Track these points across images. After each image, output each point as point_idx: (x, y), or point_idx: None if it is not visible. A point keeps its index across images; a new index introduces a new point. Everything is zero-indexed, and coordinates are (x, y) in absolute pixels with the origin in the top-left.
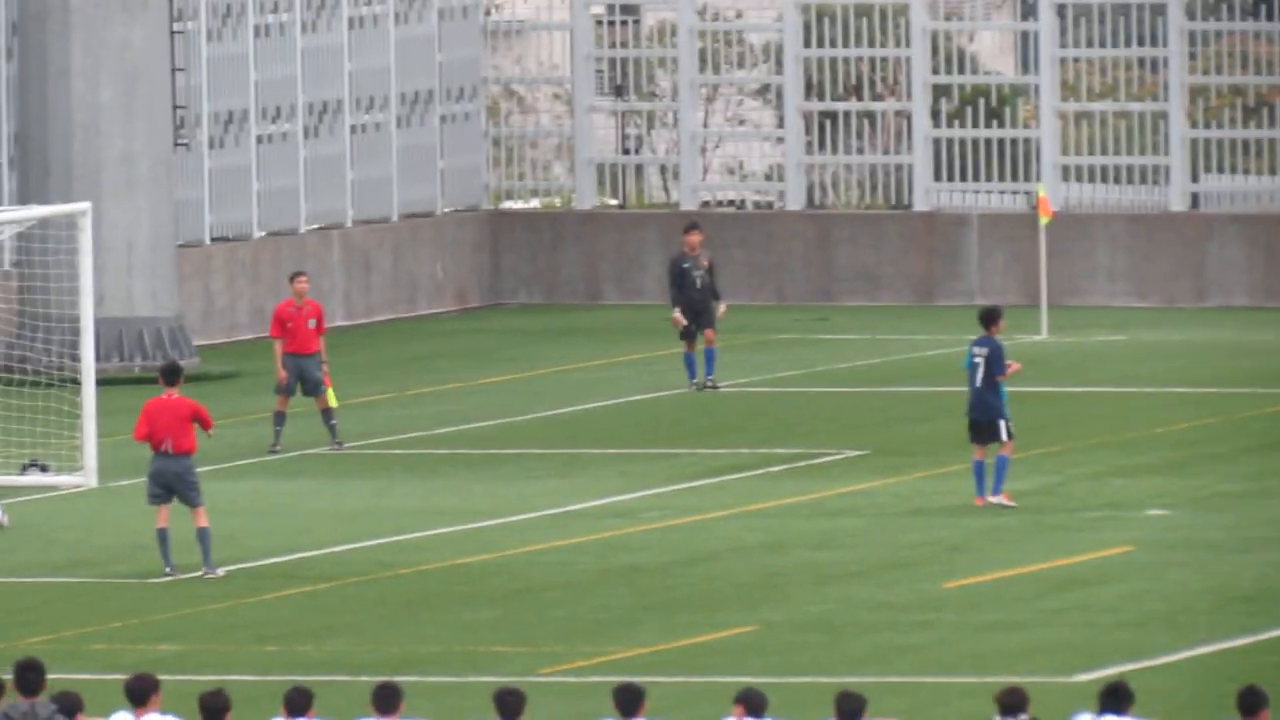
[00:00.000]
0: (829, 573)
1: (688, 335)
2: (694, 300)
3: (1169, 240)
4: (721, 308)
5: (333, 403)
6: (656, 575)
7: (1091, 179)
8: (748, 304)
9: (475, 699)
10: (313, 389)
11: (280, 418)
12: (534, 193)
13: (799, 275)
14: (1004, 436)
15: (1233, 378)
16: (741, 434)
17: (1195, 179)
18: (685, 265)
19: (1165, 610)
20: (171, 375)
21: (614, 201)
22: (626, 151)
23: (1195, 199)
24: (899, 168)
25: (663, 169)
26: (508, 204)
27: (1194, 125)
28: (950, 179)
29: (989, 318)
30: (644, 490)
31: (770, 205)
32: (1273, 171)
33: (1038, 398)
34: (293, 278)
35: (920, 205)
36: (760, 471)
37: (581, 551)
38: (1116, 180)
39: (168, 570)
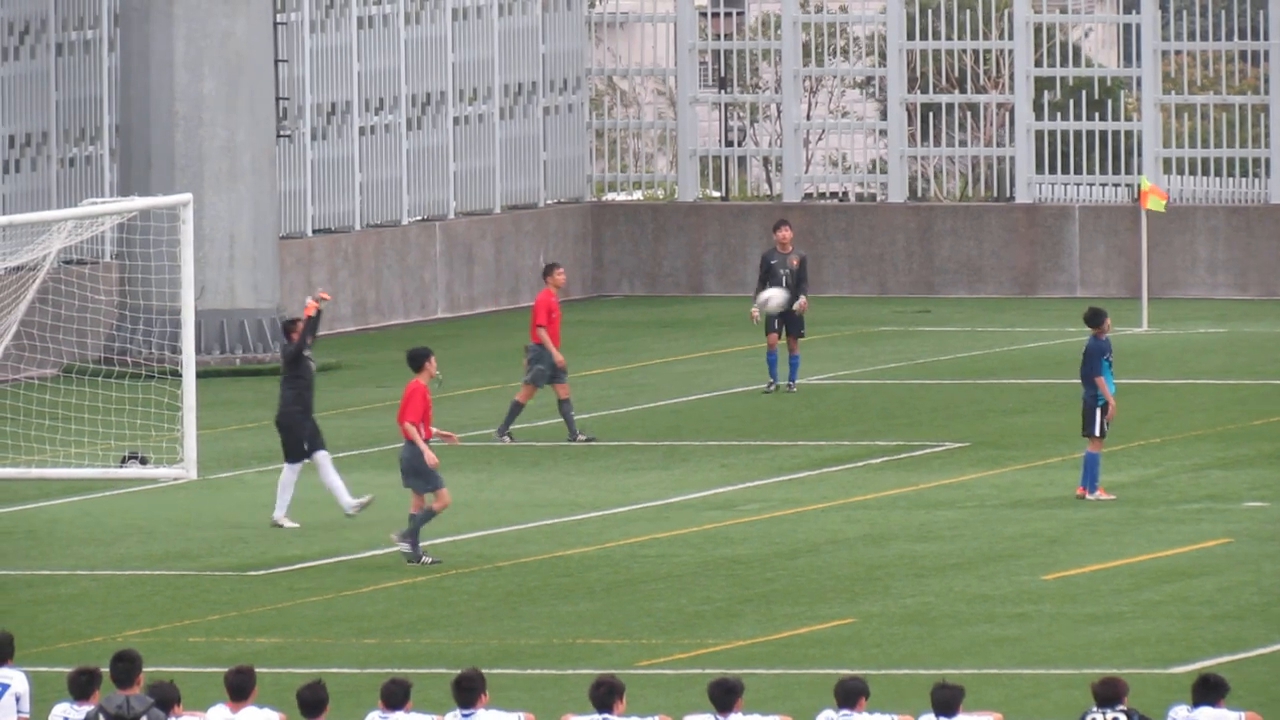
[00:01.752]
0: (928, 565)
1: (770, 329)
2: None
3: (1270, 232)
4: (800, 302)
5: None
6: (756, 567)
7: (1192, 171)
8: (850, 296)
9: (573, 691)
10: (559, 377)
11: (568, 404)
12: (637, 185)
13: (901, 267)
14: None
15: None
16: (842, 426)
17: None
18: (773, 262)
19: (1262, 603)
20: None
21: (716, 194)
22: (729, 144)
23: None
24: (1001, 160)
25: (765, 161)
26: (610, 196)
27: None
28: (1052, 171)
29: (1091, 320)
30: (745, 482)
31: (873, 197)
32: None
33: (1138, 390)
34: (553, 269)
35: (1022, 197)
36: (861, 464)
37: (682, 544)
38: (1217, 173)
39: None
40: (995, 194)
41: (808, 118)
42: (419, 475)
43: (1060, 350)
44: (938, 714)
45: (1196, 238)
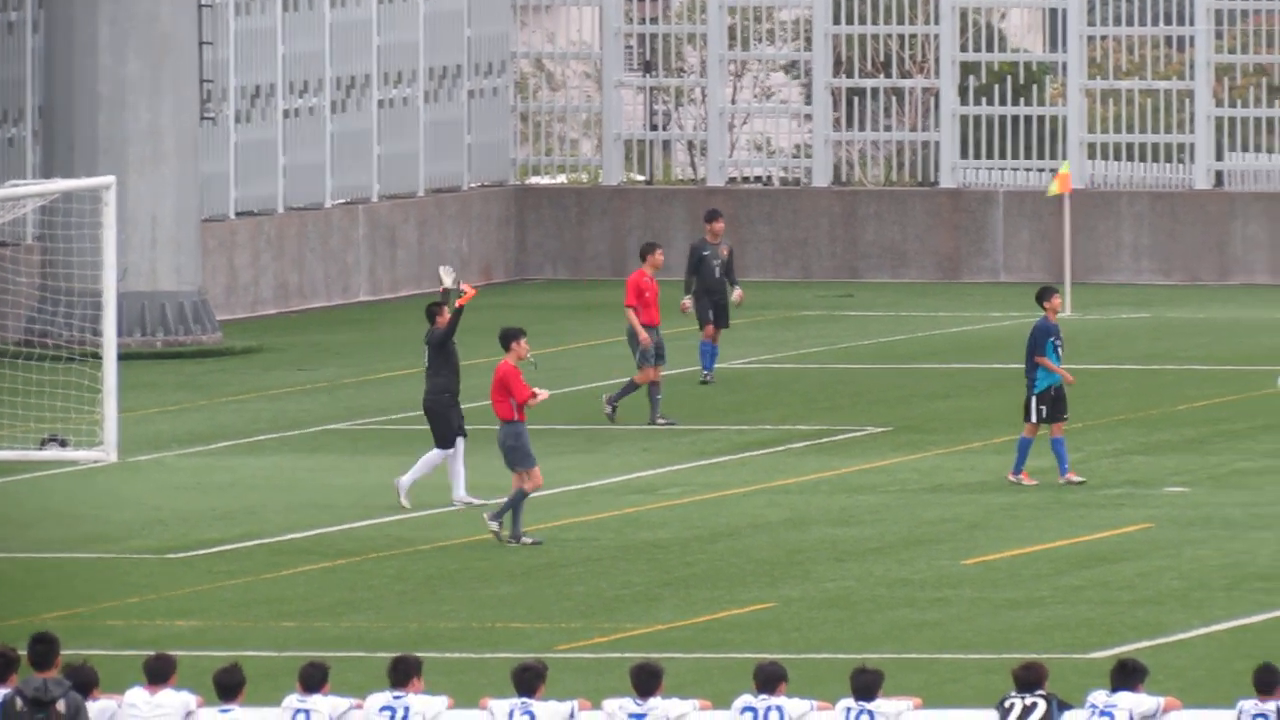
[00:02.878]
0: (849, 549)
1: (704, 320)
2: (712, 288)
3: (1193, 218)
4: (737, 294)
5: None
6: (676, 551)
7: (1117, 157)
8: (773, 280)
9: (493, 675)
10: (660, 358)
11: (656, 387)
12: (561, 168)
13: (824, 252)
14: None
15: (1254, 355)
16: (764, 410)
17: (1220, 157)
18: (705, 253)
19: (1182, 588)
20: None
21: (641, 177)
22: (654, 127)
23: (1220, 177)
24: (926, 145)
25: (690, 145)
26: (534, 179)
27: (1219, 104)
28: (976, 156)
29: (1040, 296)
30: (666, 466)
31: (797, 182)
32: None
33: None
34: (652, 249)
35: (946, 182)
36: (782, 448)
37: (602, 528)
38: (1142, 158)
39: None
40: (920, 179)
41: (733, 102)
42: (514, 454)
43: (983, 335)
44: (857, 698)
45: (1121, 223)
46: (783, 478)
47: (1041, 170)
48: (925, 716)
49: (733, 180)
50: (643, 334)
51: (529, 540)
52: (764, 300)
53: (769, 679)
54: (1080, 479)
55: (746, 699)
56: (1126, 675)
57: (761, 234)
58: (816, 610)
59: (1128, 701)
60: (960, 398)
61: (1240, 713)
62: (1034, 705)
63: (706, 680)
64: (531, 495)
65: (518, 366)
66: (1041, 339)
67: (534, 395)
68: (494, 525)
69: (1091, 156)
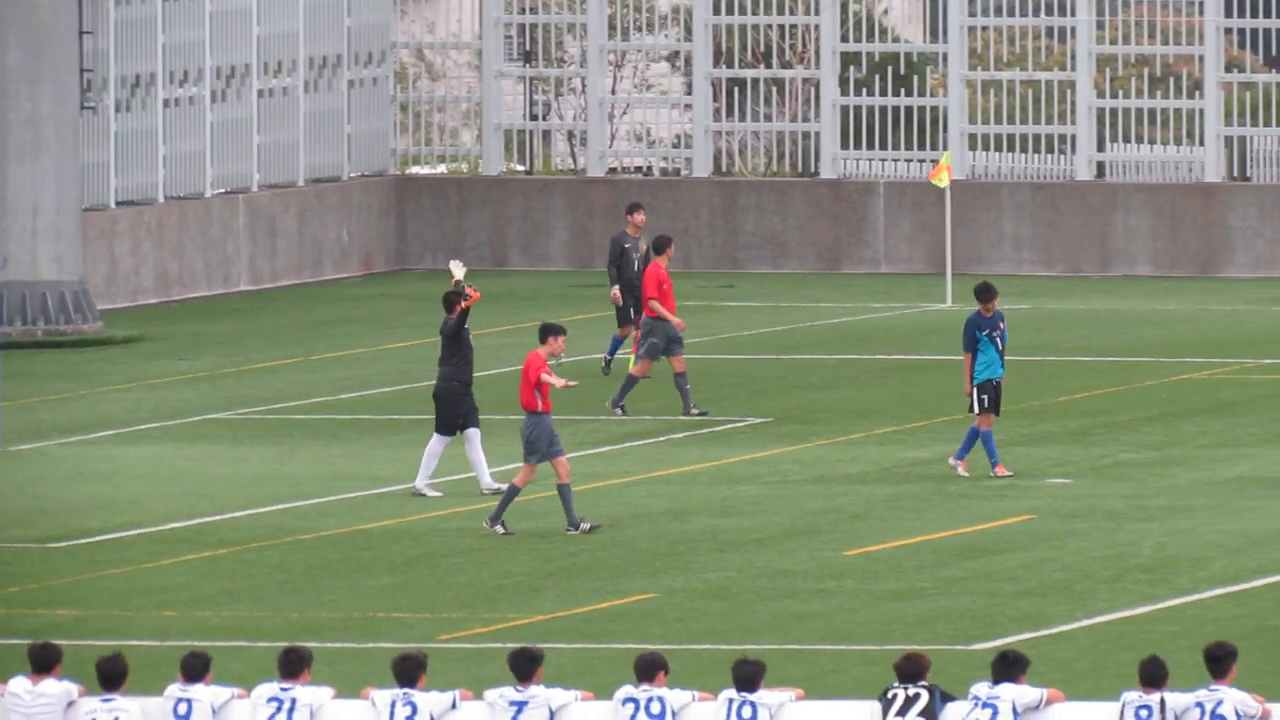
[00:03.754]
0: (730, 540)
1: (624, 318)
2: (633, 282)
3: (1074, 209)
4: None
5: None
6: (558, 542)
7: (998, 147)
8: None
9: (374, 665)
10: (673, 349)
11: (683, 378)
12: (441, 158)
13: (705, 242)
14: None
15: (1135, 347)
16: (646, 400)
17: (1101, 148)
18: (626, 246)
19: (1064, 579)
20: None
21: (521, 167)
22: (534, 118)
23: (1101, 168)
24: (806, 135)
25: (570, 135)
26: (415, 169)
27: (1100, 95)
28: (857, 147)
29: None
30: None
31: (677, 172)
32: (1178, 141)
33: (940, 366)
34: (669, 243)
35: (827, 173)
36: (663, 438)
37: (483, 518)
38: (1023, 149)
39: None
40: (800, 169)
41: (613, 92)
42: (529, 446)
43: (864, 326)
44: (739, 689)
45: (1002, 214)
46: (664, 468)
47: (923, 161)
48: (807, 708)
49: (613, 170)
50: (675, 319)
51: (586, 526)
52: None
53: (650, 669)
54: (966, 473)
55: (628, 689)
56: (1008, 666)
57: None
58: (698, 601)
59: (1010, 693)
60: (842, 389)
61: (1124, 705)
62: (916, 696)
63: (588, 671)
64: (523, 490)
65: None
66: (967, 331)
67: (548, 379)
68: (583, 526)
69: (973, 147)
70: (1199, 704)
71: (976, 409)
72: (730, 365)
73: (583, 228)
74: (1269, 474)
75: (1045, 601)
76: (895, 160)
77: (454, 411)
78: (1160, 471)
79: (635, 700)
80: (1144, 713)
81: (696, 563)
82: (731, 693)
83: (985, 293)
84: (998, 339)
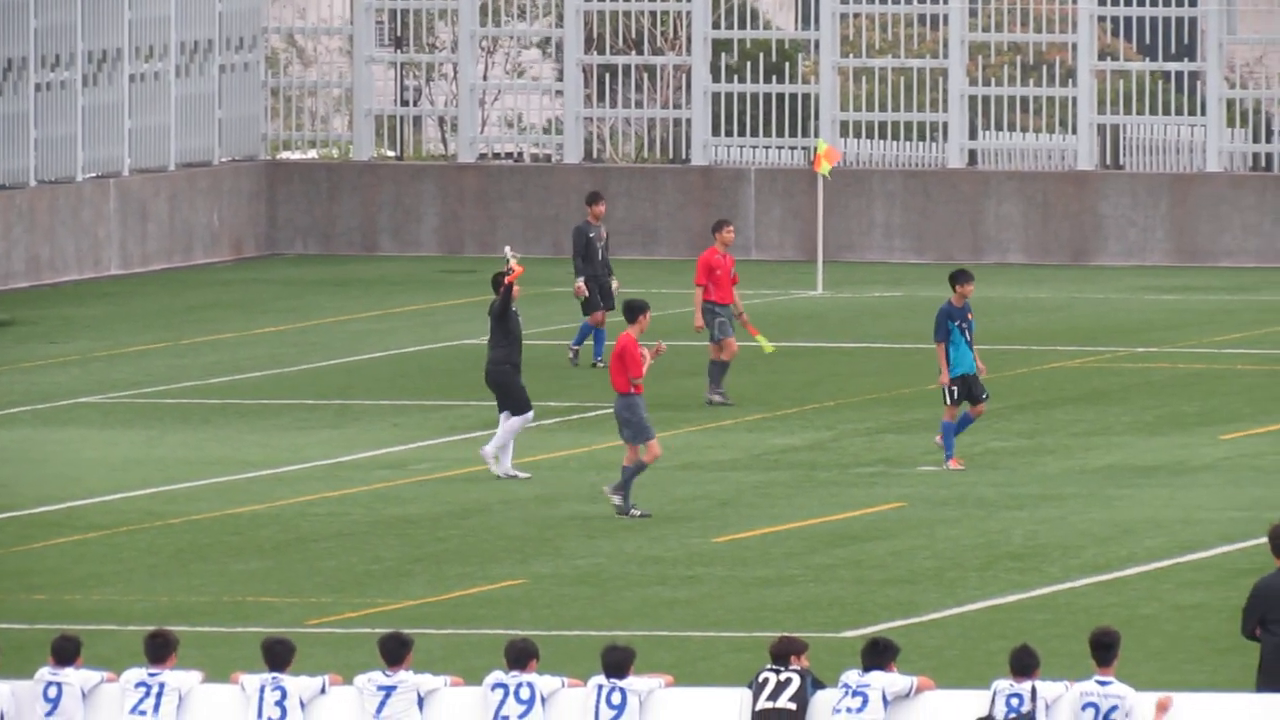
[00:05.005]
0: (600, 526)
1: (591, 306)
2: (599, 273)
3: (946, 196)
4: (615, 283)
5: (767, 349)
6: (427, 527)
7: (870, 135)
8: (524, 256)
9: (243, 649)
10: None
11: (723, 367)
12: (312, 144)
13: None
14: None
15: (1007, 335)
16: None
17: (974, 136)
18: (591, 235)
19: (935, 567)
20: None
21: (391, 153)
22: (405, 103)
23: (974, 156)
24: (678, 122)
25: (441, 121)
26: (285, 154)
27: (973, 82)
28: (729, 134)
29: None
30: (417, 442)
31: (548, 158)
32: (1050, 129)
33: (812, 353)
34: (722, 226)
35: (698, 160)
36: (534, 424)
37: (353, 503)
38: (895, 137)
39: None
40: (671, 156)
41: (484, 78)
42: (630, 427)
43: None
44: (608, 675)
45: (873, 201)
46: (534, 454)
47: (795, 148)
48: (676, 694)
49: (483, 156)
50: (698, 317)
51: (638, 513)
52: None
53: (522, 656)
54: (962, 466)
55: (498, 675)
56: (878, 654)
57: (512, 210)
58: (568, 587)
59: (880, 681)
60: None
61: (995, 693)
62: (788, 681)
63: (458, 656)
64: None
65: (640, 341)
66: (940, 323)
67: (642, 363)
68: (615, 499)
69: (845, 135)
70: (1091, 704)
71: (950, 400)
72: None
73: (453, 213)
74: (1140, 462)
75: (916, 589)
76: (767, 147)
77: (515, 390)
78: (1032, 460)
79: (505, 686)
80: (1015, 701)
81: (566, 549)
82: (601, 679)
83: (963, 277)
84: (966, 330)
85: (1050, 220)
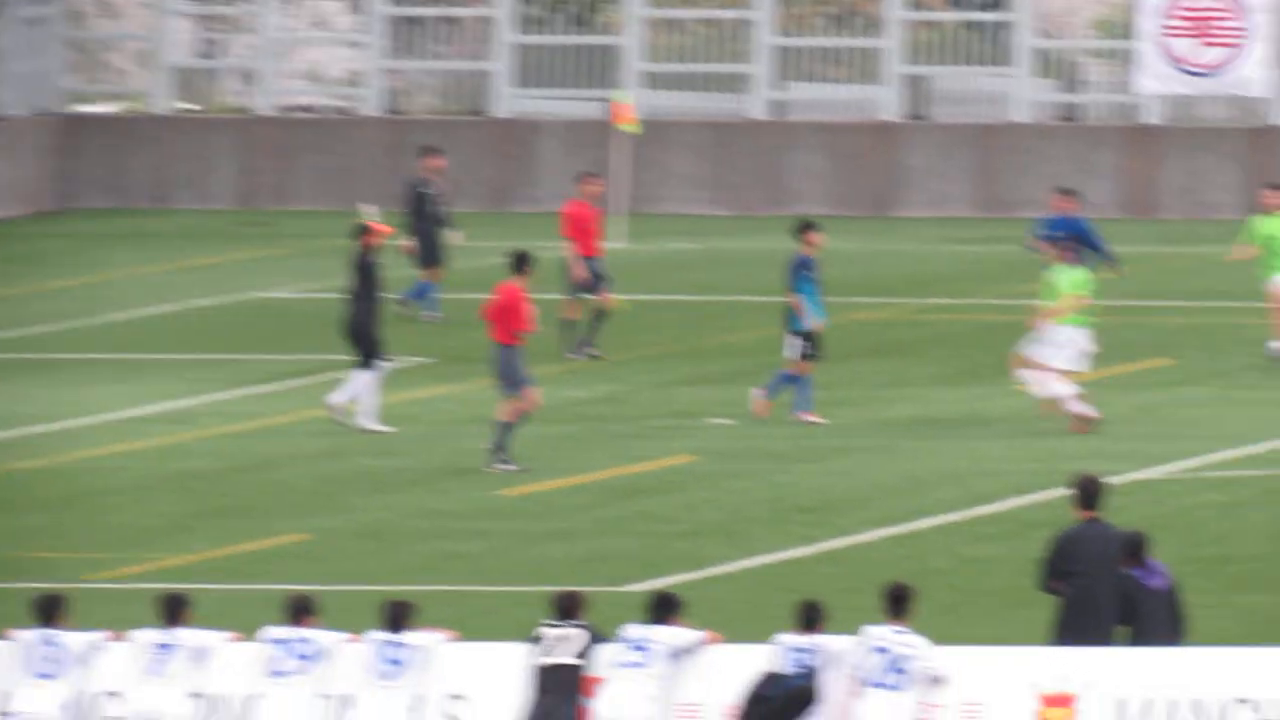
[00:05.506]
0: (386, 480)
1: (429, 259)
2: (432, 229)
3: (748, 149)
4: (457, 236)
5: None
6: (211, 481)
7: (677, 87)
8: (322, 209)
9: (16, 605)
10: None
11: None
12: (111, 97)
13: (374, 181)
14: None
15: None
16: (305, 340)
17: (780, 88)
18: (425, 191)
19: (723, 520)
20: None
21: (191, 106)
22: (205, 56)
23: (781, 108)
24: (481, 74)
25: (241, 73)
26: (83, 108)
27: (782, 33)
28: (531, 85)
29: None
30: (204, 396)
31: (348, 111)
32: (859, 80)
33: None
34: (586, 178)
35: (501, 112)
36: (323, 378)
37: (137, 457)
38: (697, 88)
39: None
40: (473, 108)
41: (284, 30)
42: (507, 379)
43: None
44: (388, 630)
45: (676, 152)
46: (321, 408)
47: (600, 100)
48: (458, 649)
49: (283, 110)
50: (576, 269)
51: (513, 467)
52: (312, 229)
53: (299, 611)
54: (819, 419)
55: (276, 630)
56: (663, 608)
57: (311, 163)
58: (351, 541)
59: (664, 635)
60: None
61: (779, 647)
62: (568, 636)
63: (238, 610)
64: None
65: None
66: (795, 272)
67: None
68: (502, 468)
69: (649, 86)
70: (883, 649)
71: (802, 355)
72: (390, 305)
73: (251, 166)
74: (938, 415)
75: (703, 542)
76: (569, 99)
77: (370, 344)
78: (828, 412)
79: (283, 641)
80: (799, 655)
81: (351, 503)
82: (381, 634)
83: (812, 227)
84: (816, 281)
85: (854, 172)
